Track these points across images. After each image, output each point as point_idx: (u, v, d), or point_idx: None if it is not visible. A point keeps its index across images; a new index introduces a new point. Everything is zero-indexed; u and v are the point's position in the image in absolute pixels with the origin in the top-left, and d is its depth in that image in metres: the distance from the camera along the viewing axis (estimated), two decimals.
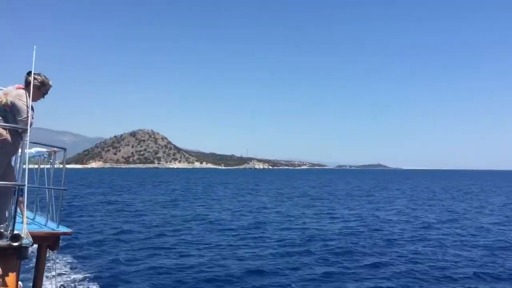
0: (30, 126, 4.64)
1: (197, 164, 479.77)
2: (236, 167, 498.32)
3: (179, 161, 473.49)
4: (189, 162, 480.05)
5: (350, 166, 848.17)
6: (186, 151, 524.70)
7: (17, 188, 4.51)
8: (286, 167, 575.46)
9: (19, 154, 4.78)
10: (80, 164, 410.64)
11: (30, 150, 6.57)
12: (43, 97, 5.25)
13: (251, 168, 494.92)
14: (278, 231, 27.82)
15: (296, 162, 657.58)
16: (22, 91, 4.85)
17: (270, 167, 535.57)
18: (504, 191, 80.00)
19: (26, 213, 5.03)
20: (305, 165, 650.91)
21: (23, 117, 4.69)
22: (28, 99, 4.77)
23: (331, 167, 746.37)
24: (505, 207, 45.91)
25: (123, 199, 54.41)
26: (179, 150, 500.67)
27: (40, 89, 5.11)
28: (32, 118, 4.77)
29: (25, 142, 4.51)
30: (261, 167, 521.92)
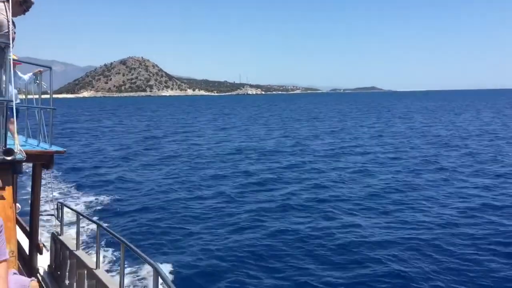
0: (13, 41, 4.48)
1: (189, 91, 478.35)
2: (229, 93, 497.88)
3: (171, 89, 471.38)
4: (181, 90, 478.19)
5: (344, 90, 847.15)
6: (178, 78, 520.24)
7: (5, 105, 4.45)
8: (280, 92, 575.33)
9: (4, 70, 4.66)
10: (71, 93, 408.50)
11: (25, 76, 6.79)
12: (24, 14, 4.95)
13: (244, 94, 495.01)
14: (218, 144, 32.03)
15: (289, 87, 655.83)
16: (2, 5, 4.57)
17: (263, 93, 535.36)
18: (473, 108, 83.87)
19: (18, 137, 4.86)
20: (298, 89, 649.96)
21: (4, 31, 4.49)
22: (8, 12, 4.52)
23: (325, 91, 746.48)
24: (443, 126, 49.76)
25: (111, 125, 58.03)
26: (170, 77, 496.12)
27: (22, 5, 4.82)
28: (14, 33, 4.57)
29: (9, 57, 4.44)
30: (254, 92, 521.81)
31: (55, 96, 6.40)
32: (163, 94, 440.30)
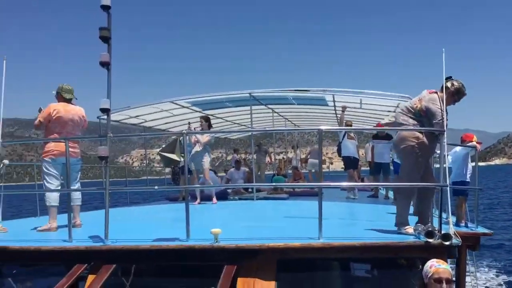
0: (446, 127, 4.73)
1: None
2: None
3: None
4: None
5: None
6: None
7: (441, 189, 4.52)
8: None
9: (437, 155, 4.86)
10: (482, 161, 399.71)
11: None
12: (454, 104, 5.23)
13: None
14: None
15: None
16: (435, 95, 4.98)
17: None
18: None
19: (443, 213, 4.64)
20: None
21: (438, 119, 4.83)
22: (441, 102, 4.89)
23: None
24: None
25: None
26: None
27: (454, 96, 5.12)
28: (446, 120, 4.86)
29: (443, 144, 4.66)
30: None
31: None
32: None
